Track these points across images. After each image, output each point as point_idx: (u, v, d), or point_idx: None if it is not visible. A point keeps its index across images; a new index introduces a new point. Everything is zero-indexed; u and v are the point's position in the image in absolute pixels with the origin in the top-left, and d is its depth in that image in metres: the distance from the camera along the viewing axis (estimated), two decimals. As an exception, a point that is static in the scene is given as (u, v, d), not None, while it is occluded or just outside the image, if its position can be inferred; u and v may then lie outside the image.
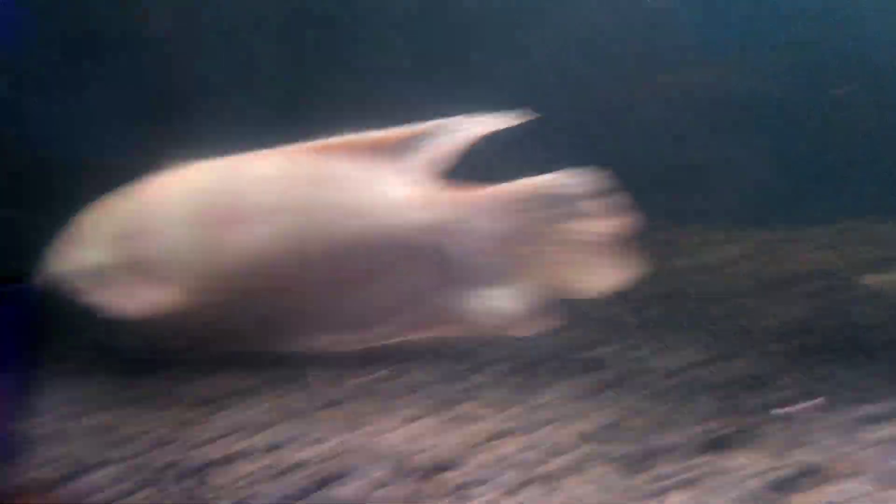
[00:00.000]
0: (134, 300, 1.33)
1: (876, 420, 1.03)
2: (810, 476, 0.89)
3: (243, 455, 0.99)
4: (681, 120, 2.04)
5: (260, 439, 1.03)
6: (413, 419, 1.09)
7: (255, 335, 1.35)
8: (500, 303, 1.32)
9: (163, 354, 1.34)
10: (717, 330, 1.40)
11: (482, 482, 0.90)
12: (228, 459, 0.98)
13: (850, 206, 2.05)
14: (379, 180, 1.35)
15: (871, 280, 1.58)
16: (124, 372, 1.32)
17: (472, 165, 1.36)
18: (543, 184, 1.31)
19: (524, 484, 0.90)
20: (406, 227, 1.32)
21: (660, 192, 1.91)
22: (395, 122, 1.36)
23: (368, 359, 1.30)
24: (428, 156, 1.35)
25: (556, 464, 0.94)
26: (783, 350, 1.29)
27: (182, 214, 1.34)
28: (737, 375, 1.21)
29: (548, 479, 0.91)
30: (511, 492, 0.88)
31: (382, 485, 0.91)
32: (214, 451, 1.00)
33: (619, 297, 1.34)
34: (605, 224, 1.29)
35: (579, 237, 1.30)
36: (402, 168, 1.35)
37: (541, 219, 1.31)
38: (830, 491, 0.85)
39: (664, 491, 0.87)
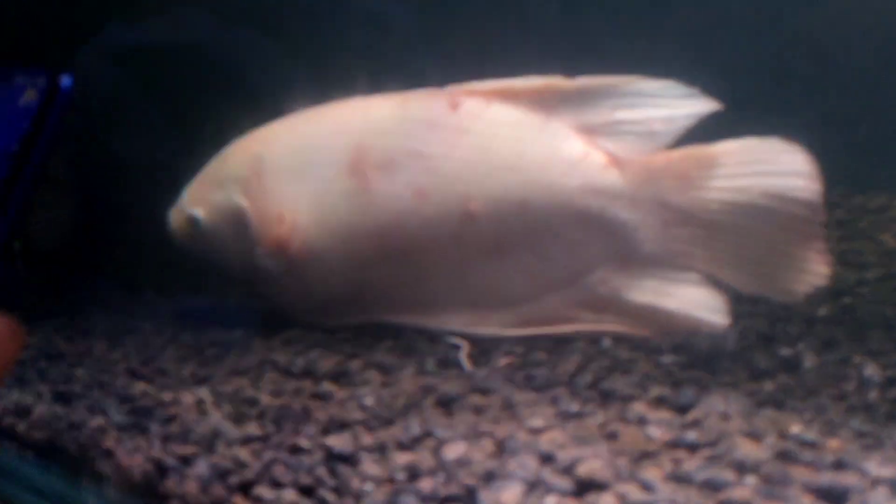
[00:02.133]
0: (265, 250, 1.25)
1: None
2: None
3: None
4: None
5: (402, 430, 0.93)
6: (571, 417, 0.95)
7: (392, 304, 1.23)
8: (681, 292, 1.14)
9: (292, 317, 1.27)
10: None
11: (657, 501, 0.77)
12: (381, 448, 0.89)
13: None
14: (549, 133, 1.17)
15: None
16: (251, 332, 1.26)
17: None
18: (745, 151, 1.10)
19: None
20: (579, 188, 1.14)
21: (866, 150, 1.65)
22: (569, 71, 1.18)
23: (520, 340, 1.17)
24: (608, 113, 1.15)
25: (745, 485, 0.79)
26: None
27: (324, 157, 1.22)
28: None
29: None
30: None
31: (539, 491, 0.79)
32: (364, 439, 0.91)
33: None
34: (815, 205, 1.08)
35: (785, 221, 1.09)
36: (578, 123, 1.16)
37: (739, 195, 1.10)
38: None
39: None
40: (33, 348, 1.23)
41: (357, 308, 1.24)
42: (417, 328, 1.22)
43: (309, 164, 1.23)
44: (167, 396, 1.04)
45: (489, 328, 1.19)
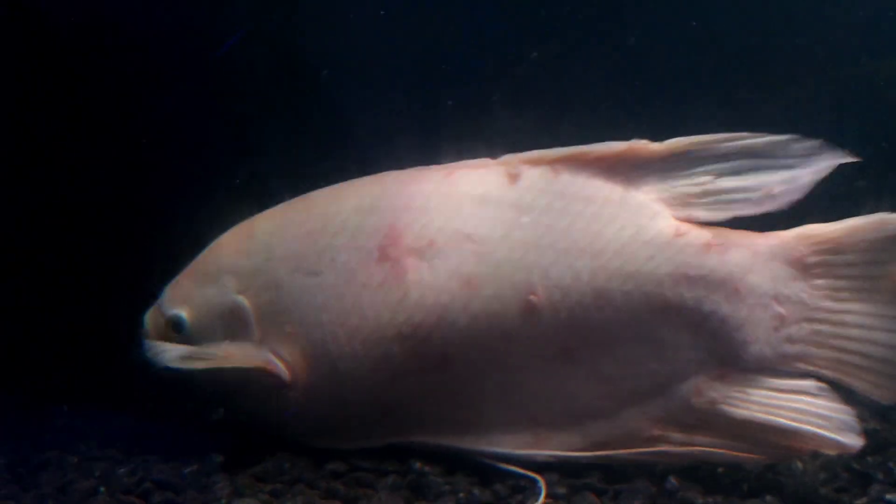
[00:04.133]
0: (266, 358, 1.01)
1: None
2: None
3: None
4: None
5: None
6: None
7: (429, 421, 0.99)
8: (799, 405, 0.92)
9: (298, 440, 1.01)
10: None
11: None
12: None
13: None
14: (631, 208, 0.97)
15: None
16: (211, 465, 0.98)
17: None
18: (875, 229, 0.92)
19: None
20: (669, 276, 0.94)
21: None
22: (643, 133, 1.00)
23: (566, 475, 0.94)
24: (709, 180, 0.97)
25: None
26: None
27: (347, 241, 1.00)
28: None
29: None
30: None
31: None
32: None
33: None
34: None
35: None
36: (668, 195, 0.97)
37: (872, 283, 0.92)
38: None
39: None
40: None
41: (384, 428, 1.00)
42: (457, 451, 0.98)
43: (327, 250, 1.00)
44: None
45: (551, 451, 0.96)
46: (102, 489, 0.92)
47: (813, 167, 0.94)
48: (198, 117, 1.36)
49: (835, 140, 0.95)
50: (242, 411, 1.06)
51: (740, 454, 0.93)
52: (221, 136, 1.40)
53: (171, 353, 1.02)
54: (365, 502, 0.89)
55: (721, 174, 0.96)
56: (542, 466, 0.95)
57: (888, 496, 0.92)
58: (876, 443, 1.04)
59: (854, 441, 0.90)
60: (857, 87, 1.56)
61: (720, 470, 0.96)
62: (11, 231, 1.27)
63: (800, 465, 0.97)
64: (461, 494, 0.90)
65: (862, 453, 0.96)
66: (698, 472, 0.95)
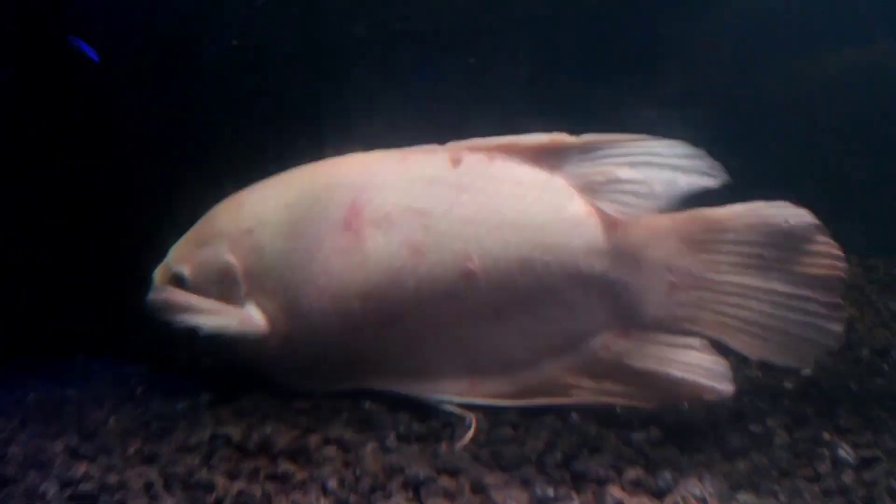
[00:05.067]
0: (252, 311, 1.19)
1: None
2: None
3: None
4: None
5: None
6: (549, 500, 0.91)
7: (384, 369, 1.17)
8: (685, 359, 1.09)
9: (276, 382, 1.21)
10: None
11: None
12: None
13: None
14: (552, 191, 1.13)
15: None
16: (199, 401, 1.19)
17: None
18: (753, 214, 1.07)
19: None
20: (582, 249, 1.11)
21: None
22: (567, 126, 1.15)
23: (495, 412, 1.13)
24: (611, 171, 1.13)
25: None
26: None
27: (318, 213, 1.17)
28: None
29: None
30: None
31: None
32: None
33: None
34: (817, 270, 1.05)
35: (782, 286, 1.06)
36: (575, 180, 1.14)
37: (749, 258, 1.07)
38: None
39: None
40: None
41: (347, 374, 1.18)
42: (406, 395, 1.15)
43: (302, 219, 1.17)
44: (112, 479, 0.96)
45: (486, 398, 1.14)
46: (112, 419, 1.14)
47: (691, 177, 1.09)
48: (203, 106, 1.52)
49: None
50: (229, 358, 1.25)
51: (638, 401, 1.11)
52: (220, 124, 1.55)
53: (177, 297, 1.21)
54: (321, 432, 1.08)
55: (621, 166, 1.11)
56: (475, 407, 1.13)
57: (752, 427, 1.11)
58: (755, 387, 1.21)
59: (727, 388, 1.07)
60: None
61: (618, 409, 1.13)
62: (38, 200, 1.46)
63: (686, 404, 1.14)
64: (401, 427, 1.09)
65: (740, 395, 1.13)
66: (598, 410, 1.12)
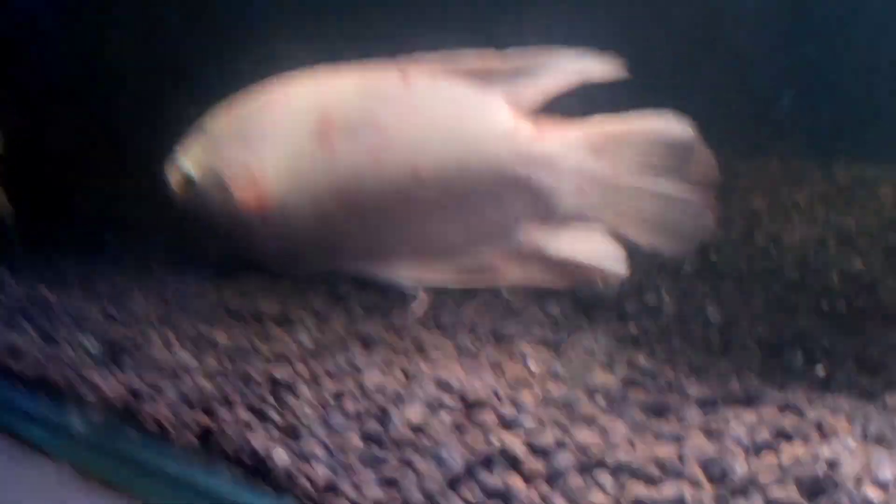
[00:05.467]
0: (246, 206, 1.45)
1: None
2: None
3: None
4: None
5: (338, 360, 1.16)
6: (467, 354, 1.19)
7: (351, 255, 1.43)
8: (589, 246, 1.35)
9: (259, 265, 1.48)
10: (776, 283, 1.43)
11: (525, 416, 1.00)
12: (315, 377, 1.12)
13: None
14: (485, 106, 1.37)
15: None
16: (218, 279, 1.47)
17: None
18: (645, 125, 1.31)
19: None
20: (509, 156, 1.35)
21: (746, 118, 1.88)
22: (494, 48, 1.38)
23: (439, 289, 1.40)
24: (531, 88, 1.36)
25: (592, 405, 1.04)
26: (836, 311, 1.32)
27: (295, 123, 1.42)
28: (775, 335, 1.24)
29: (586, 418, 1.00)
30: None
31: (436, 410, 1.03)
32: (300, 369, 1.13)
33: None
34: (695, 175, 1.30)
35: (670, 188, 1.31)
36: (505, 96, 1.37)
37: (641, 163, 1.31)
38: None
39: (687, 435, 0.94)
40: (19, 297, 1.42)
41: (321, 259, 1.45)
42: (369, 276, 1.43)
43: (284, 128, 1.43)
44: (137, 335, 1.25)
45: (433, 277, 1.41)
46: (137, 291, 1.43)
47: (596, 73, 1.33)
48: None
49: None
50: (230, 244, 1.53)
51: (554, 281, 1.38)
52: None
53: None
54: (300, 304, 1.37)
55: (541, 78, 1.35)
56: (425, 286, 1.41)
57: (647, 298, 1.37)
58: (661, 268, 1.47)
59: (622, 269, 1.34)
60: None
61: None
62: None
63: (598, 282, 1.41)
64: (364, 301, 1.38)
65: (646, 274, 1.40)
66: (524, 288, 1.40)
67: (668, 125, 1.30)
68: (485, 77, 1.37)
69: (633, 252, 1.37)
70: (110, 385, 1.16)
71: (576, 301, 1.36)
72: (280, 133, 1.44)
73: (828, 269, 1.47)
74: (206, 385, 1.12)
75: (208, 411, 1.07)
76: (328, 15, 1.83)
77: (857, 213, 1.70)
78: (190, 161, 1.50)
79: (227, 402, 1.08)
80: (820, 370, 1.14)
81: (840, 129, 1.94)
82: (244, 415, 1.06)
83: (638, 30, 1.75)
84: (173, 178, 1.51)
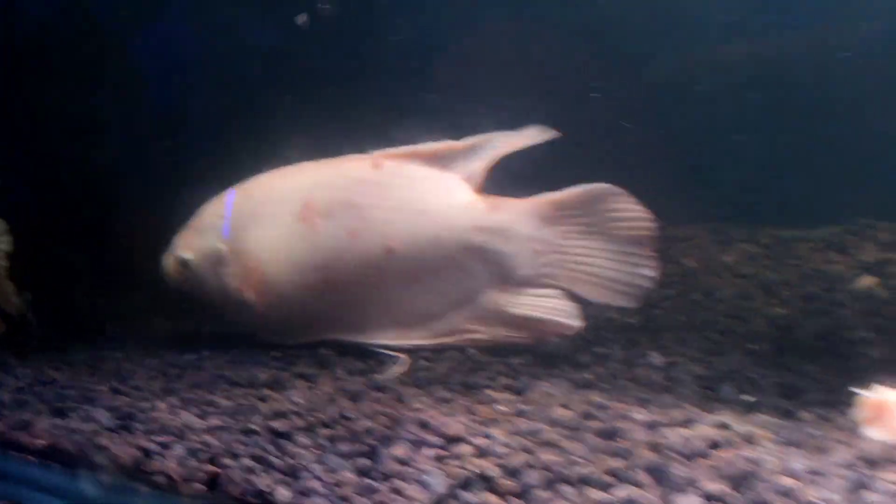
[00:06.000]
0: (238, 284, 1.61)
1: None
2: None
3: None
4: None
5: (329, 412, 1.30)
6: (443, 402, 1.35)
7: (335, 325, 1.60)
8: (547, 304, 1.53)
9: (253, 337, 1.63)
10: (710, 330, 1.62)
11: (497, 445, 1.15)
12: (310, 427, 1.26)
13: (865, 206, 2.18)
14: (446, 184, 1.57)
15: (862, 282, 1.78)
16: (213, 353, 1.61)
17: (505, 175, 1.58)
18: (587, 194, 1.51)
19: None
20: (470, 228, 1.55)
21: (677, 190, 2.09)
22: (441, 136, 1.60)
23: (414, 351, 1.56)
24: (480, 166, 1.57)
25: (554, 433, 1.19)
26: (761, 350, 1.51)
27: (282, 208, 1.60)
28: (710, 372, 1.43)
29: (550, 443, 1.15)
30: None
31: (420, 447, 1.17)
32: (297, 422, 1.27)
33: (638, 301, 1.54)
34: (634, 232, 1.50)
35: (611, 246, 1.50)
36: (462, 175, 1.58)
37: (587, 228, 1.51)
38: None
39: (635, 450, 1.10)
40: (29, 378, 1.54)
41: (308, 330, 1.62)
42: (354, 344, 1.59)
43: (271, 214, 1.61)
44: (144, 405, 1.38)
45: (409, 341, 1.58)
46: (140, 369, 1.57)
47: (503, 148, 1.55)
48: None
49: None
50: (223, 320, 1.68)
51: (517, 338, 1.55)
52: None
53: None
54: (290, 370, 1.52)
55: (491, 158, 1.57)
56: (402, 350, 1.57)
57: (597, 349, 1.55)
58: (609, 324, 1.65)
59: (578, 323, 1.52)
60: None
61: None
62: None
63: (553, 338, 1.58)
64: (347, 365, 1.53)
65: (596, 329, 1.58)
66: (489, 346, 1.57)
67: (606, 191, 1.51)
68: (441, 160, 1.58)
69: (586, 307, 1.55)
70: (120, 447, 1.28)
71: (536, 354, 1.53)
72: (268, 217, 1.62)
73: (754, 316, 1.66)
74: (212, 440, 1.25)
75: (214, 462, 1.21)
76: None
77: (778, 268, 1.92)
78: (185, 246, 1.67)
79: (232, 454, 1.21)
80: (748, 397, 1.32)
81: (762, 197, 2.18)
82: (248, 462, 1.19)
83: (573, 109, 1.99)
84: (170, 264, 1.67)
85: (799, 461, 1.03)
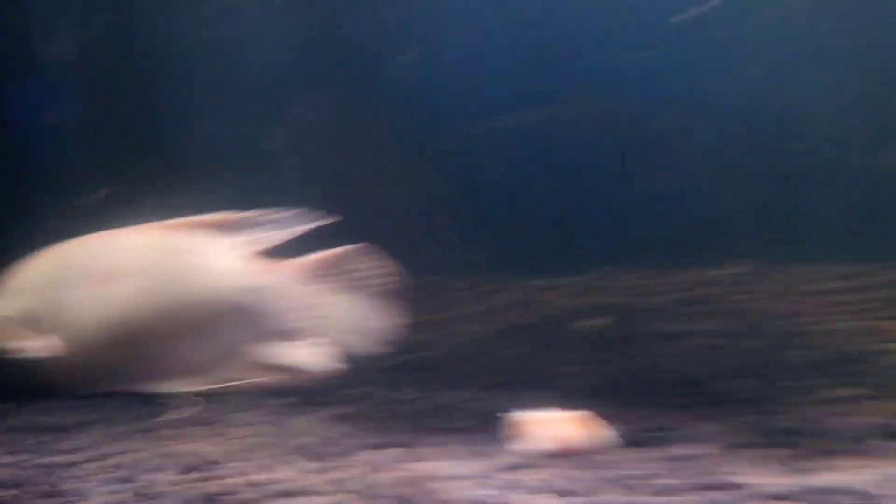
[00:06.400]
0: (31, 344, 1.83)
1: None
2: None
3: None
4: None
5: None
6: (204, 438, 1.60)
7: (132, 375, 1.83)
8: (303, 352, 1.84)
9: (44, 392, 1.83)
10: (452, 370, 1.96)
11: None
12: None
13: (613, 256, 2.58)
14: (222, 251, 1.87)
15: (580, 325, 2.17)
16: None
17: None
18: (338, 256, 1.84)
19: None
20: (240, 289, 1.85)
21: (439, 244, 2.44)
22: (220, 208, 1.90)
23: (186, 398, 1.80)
24: (251, 236, 1.88)
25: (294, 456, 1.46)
26: (481, 384, 1.85)
27: (85, 271, 1.84)
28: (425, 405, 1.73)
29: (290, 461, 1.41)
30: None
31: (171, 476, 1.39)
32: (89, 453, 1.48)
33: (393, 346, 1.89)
34: (378, 287, 1.83)
35: (358, 300, 1.83)
36: (231, 243, 1.88)
37: (335, 285, 1.83)
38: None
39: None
40: None
41: (109, 380, 1.84)
42: (143, 391, 1.83)
43: (75, 276, 1.85)
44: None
45: (194, 387, 1.83)
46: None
47: (301, 227, 1.88)
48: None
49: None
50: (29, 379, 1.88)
51: (279, 380, 1.84)
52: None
53: None
54: (92, 412, 1.74)
55: (260, 230, 1.88)
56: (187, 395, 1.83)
57: (363, 388, 1.85)
58: (380, 364, 1.96)
59: (334, 366, 1.82)
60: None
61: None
62: None
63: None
64: (142, 409, 1.77)
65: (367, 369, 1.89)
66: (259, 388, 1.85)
67: (355, 251, 1.84)
68: (223, 228, 1.88)
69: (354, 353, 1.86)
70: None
71: (298, 395, 1.83)
72: (73, 281, 1.86)
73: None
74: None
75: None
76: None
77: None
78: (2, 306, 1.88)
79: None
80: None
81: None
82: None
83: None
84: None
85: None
